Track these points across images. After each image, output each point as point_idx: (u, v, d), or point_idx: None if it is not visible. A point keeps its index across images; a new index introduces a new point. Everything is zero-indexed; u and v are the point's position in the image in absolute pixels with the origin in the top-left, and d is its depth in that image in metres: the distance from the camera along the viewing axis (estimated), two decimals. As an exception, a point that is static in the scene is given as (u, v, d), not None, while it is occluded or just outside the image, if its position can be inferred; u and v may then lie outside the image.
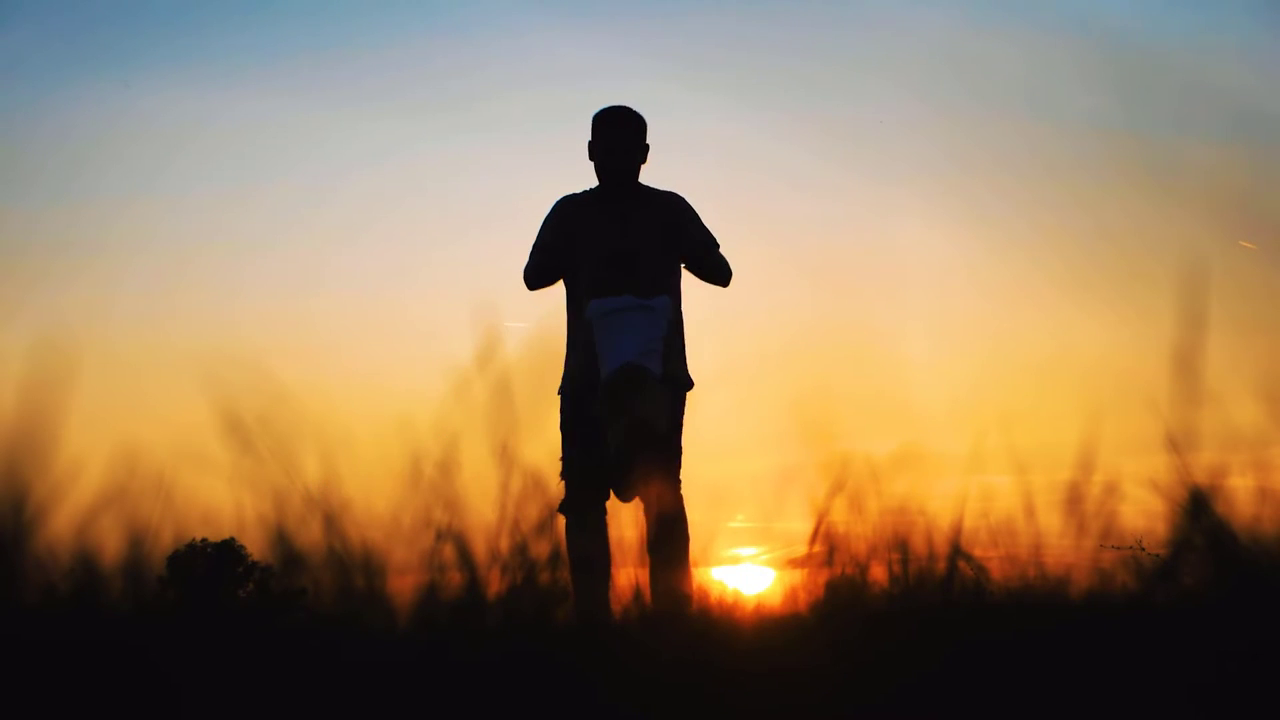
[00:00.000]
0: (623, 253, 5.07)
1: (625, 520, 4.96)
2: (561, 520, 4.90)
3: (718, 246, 5.25)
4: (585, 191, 5.25)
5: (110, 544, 2.57)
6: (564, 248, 5.12)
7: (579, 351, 5.06)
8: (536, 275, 5.18)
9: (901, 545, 2.93)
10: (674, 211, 5.23)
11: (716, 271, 5.20)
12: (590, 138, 5.20)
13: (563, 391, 5.13)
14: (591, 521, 4.91)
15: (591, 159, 5.21)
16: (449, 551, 2.78)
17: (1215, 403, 2.69)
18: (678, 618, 4.30)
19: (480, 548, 2.81)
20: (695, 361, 5.24)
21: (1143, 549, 2.91)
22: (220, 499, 2.75)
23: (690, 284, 5.32)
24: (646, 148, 5.21)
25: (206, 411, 2.80)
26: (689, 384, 5.12)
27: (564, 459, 5.02)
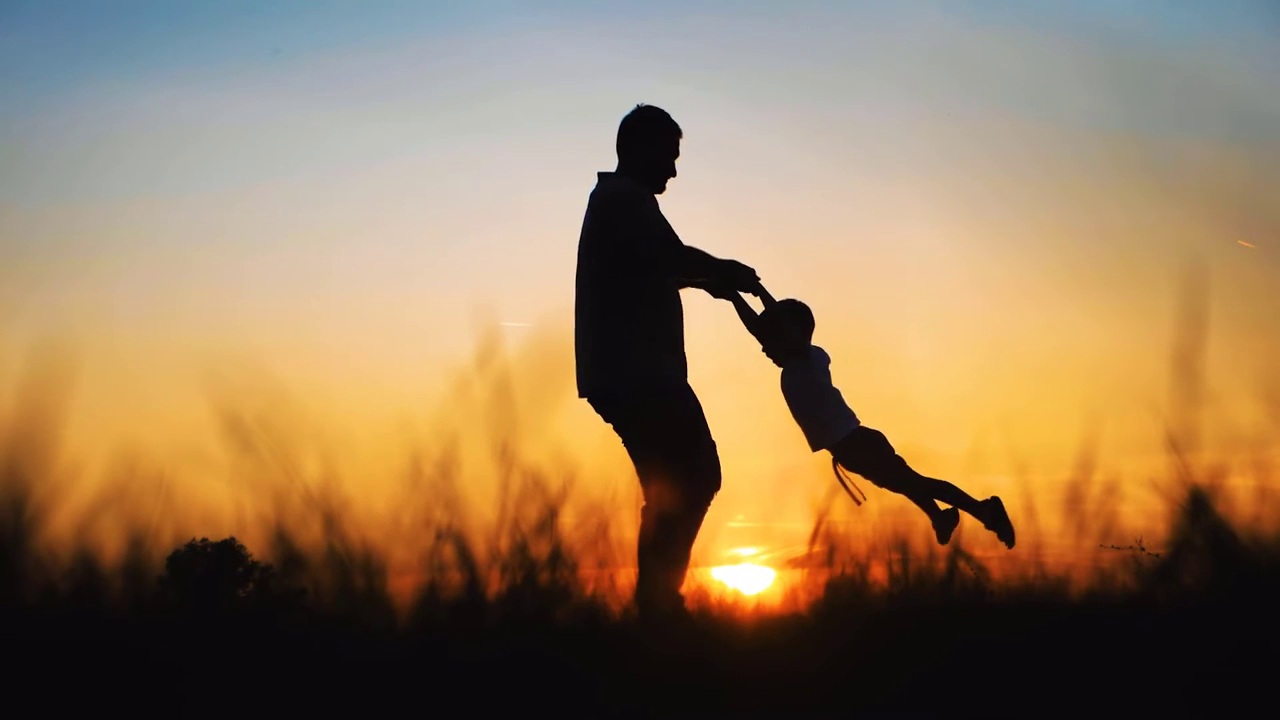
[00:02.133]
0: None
1: (625, 520, 4.95)
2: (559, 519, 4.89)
3: None
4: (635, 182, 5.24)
5: (110, 544, 2.57)
6: None
7: (676, 349, 5.06)
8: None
9: (901, 545, 2.93)
10: None
11: None
12: (658, 134, 5.17)
13: (681, 383, 5.02)
14: None
15: (650, 154, 5.15)
16: (449, 551, 2.79)
17: (1215, 403, 2.69)
18: (678, 617, 4.30)
19: (480, 548, 2.81)
20: (696, 363, 5.24)
21: (1143, 549, 2.91)
22: (220, 499, 2.75)
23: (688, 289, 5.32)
24: None
25: (206, 411, 2.80)
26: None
27: (699, 451, 4.94)
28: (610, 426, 5.02)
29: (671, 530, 4.92)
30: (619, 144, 5.22)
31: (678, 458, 4.87)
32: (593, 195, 5.14)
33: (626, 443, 4.94)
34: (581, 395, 5.00)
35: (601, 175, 5.18)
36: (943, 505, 5.16)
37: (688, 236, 5.19)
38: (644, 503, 4.96)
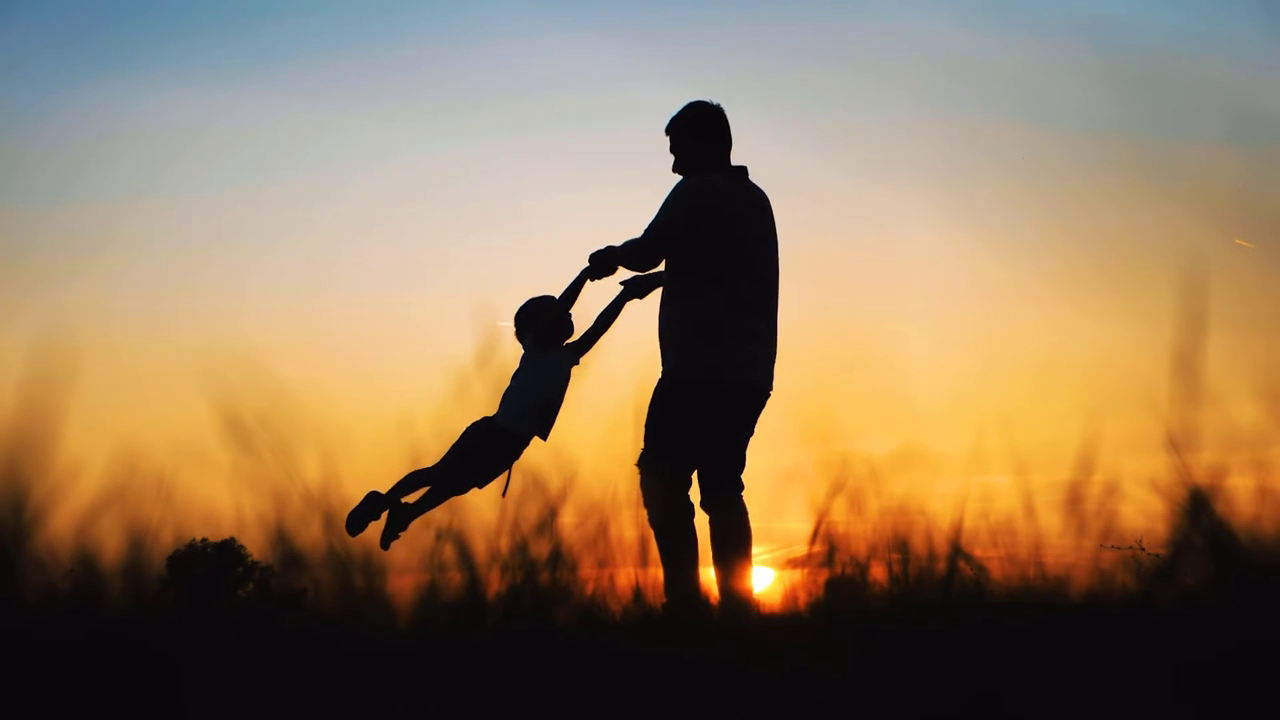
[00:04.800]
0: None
1: (625, 520, 4.95)
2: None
3: (646, 233, 5.19)
4: None
5: (110, 544, 2.57)
6: None
7: None
8: None
9: (901, 545, 2.92)
10: None
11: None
12: None
13: None
14: None
15: None
16: (449, 551, 2.79)
17: (1215, 403, 2.69)
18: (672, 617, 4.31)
19: (480, 548, 2.81)
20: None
21: (1143, 549, 2.91)
22: (220, 499, 2.75)
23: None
24: (678, 144, 5.29)
25: (206, 411, 2.80)
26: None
27: None
28: (703, 420, 5.05)
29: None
30: (728, 138, 5.32)
31: None
32: (764, 196, 5.25)
33: (743, 439, 5.07)
34: (762, 390, 5.10)
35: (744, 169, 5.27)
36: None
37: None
38: (720, 502, 4.96)
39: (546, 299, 5.56)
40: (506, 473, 5.40)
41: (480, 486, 5.38)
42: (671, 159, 5.29)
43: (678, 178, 5.25)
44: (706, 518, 4.95)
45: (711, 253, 5.02)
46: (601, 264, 5.28)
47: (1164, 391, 2.71)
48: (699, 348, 4.98)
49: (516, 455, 5.39)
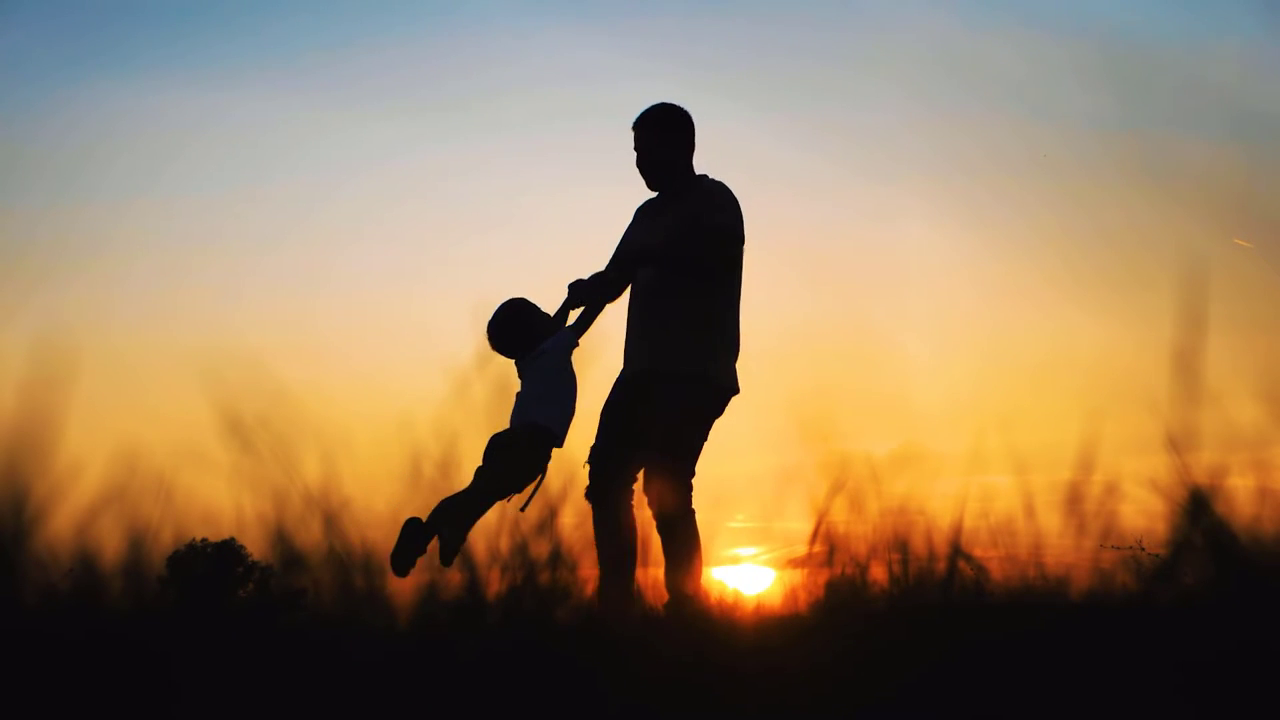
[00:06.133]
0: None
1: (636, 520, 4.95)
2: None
3: (714, 229, 4.97)
4: None
5: (110, 544, 2.57)
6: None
7: None
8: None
9: (901, 545, 2.93)
10: (698, 201, 5.08)
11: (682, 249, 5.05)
12: None
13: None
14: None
15: None
16: (449, 551, 2.79)
17: (1215, 403, 2.69)
18: (680, 616, 4.29)
19: (480, 548, 2.81)
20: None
21: (1143, 549, 2.91)
22: (220, 499, 2.75)
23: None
24: (668, 142, 5.12)
25: (206, 411, 2.80)
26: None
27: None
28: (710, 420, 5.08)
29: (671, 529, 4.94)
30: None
31: None
32: None
33: None
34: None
35: None
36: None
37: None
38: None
39: (523, 300, 5.27)
40: (533, 487, 4.76)
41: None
42: (636, 156, 5.18)
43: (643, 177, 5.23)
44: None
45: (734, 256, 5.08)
46: (630, 264, 5.10)
47: (1164, 391, 2.71)
48: (707, 350, 4.97)
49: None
